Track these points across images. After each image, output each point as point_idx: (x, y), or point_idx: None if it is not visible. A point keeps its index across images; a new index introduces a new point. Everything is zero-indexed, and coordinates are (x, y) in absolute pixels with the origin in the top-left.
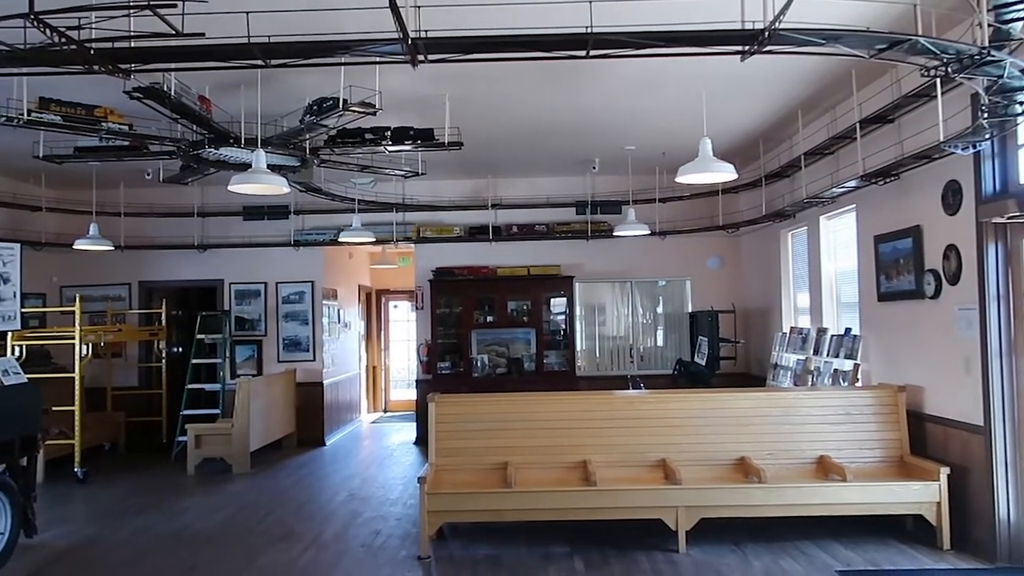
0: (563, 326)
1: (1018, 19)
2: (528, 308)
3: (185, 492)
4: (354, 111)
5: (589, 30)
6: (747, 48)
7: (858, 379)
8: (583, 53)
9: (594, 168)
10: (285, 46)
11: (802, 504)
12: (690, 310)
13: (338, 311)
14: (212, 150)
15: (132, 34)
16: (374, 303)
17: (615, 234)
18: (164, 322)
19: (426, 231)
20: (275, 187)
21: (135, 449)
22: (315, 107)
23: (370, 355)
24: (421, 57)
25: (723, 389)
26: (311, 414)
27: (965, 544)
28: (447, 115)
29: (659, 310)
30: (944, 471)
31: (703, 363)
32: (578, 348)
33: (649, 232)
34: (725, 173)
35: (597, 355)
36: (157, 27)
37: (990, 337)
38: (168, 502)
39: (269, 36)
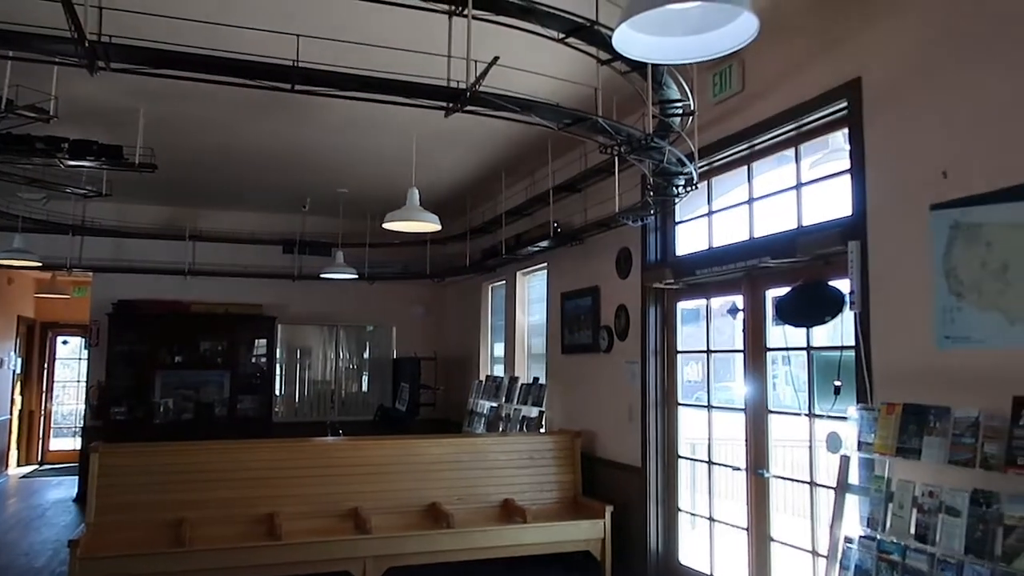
0: (262, 369)
1: (677, 115)
2: (223, 348)
3: None
4: (21, 115)
5: (295, 63)
6: (451, 105)
7: (543, 425)
8: (288, 86)
9: (305, 208)
10: None
11: (487, 547)
12: (395, 356)
13: None
14: None
15: None
16: (37, 337)
17: (322, 276)
18: None
19: None
20: None
21: None
22: None
23: (27, 398)
24: (102, 64)
25: (418, 436)
26: None
27: (624, 574)
28: (140, 133)
29: (365, 355)
30: (608, 509)
31: (404, 409)
32: (277, 393)
33: (357, 276)
34: (430, 223)
35: (297, 400)
36: None
37: (648, 388)
38: None
39: None
